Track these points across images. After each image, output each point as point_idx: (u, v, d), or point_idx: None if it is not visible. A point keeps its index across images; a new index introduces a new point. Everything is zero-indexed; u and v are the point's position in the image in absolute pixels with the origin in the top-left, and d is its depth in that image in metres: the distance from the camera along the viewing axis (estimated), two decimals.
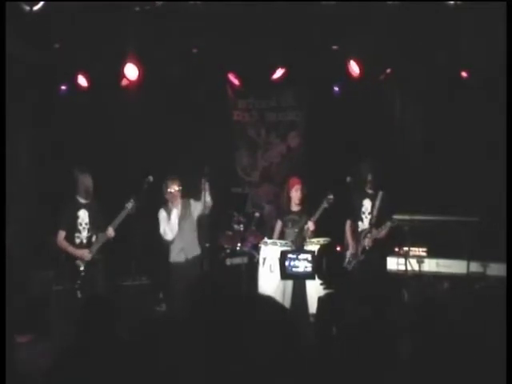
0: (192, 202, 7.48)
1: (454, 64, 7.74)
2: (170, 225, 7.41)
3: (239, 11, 7.23)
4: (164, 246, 8.23)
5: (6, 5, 5.85)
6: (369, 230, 7.18)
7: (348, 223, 7.45)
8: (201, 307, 2.72)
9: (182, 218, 7.44)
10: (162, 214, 7.46)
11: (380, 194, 7.19)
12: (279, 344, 1.96)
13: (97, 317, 3.44)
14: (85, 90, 8.82)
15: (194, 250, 7.48)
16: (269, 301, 2.36)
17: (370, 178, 7.26)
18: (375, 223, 7.14)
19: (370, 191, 7.30)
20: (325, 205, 7.42)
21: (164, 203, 7.49)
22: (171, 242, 7.47)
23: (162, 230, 7.45)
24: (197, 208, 7.45)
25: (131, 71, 8.35)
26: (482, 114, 7.68)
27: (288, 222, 7.80)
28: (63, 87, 8.91)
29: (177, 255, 7.48)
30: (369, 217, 7.23)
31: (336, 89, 8.91)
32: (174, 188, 7.40)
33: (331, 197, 7.38)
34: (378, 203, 7.16)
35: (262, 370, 2.11)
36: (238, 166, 9.84)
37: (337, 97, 8.90)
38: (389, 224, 7.02)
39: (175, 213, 7.41)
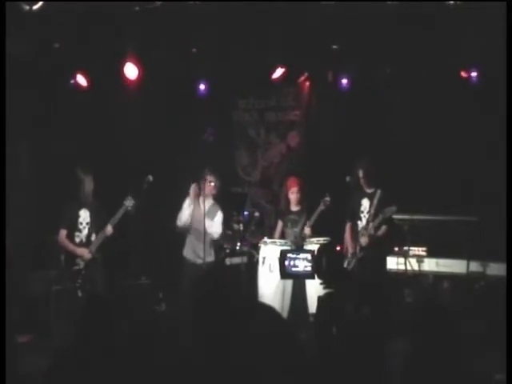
0: (219, 208, 7.47)
1: (454, 64, 7.74)
2: (182, 210, 7.40)
3: (239, 11, 7.23)
4: (164, 245, 8.25)
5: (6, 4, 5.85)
6: (365, 227, 7.18)
7: (348, 224, 7.44)
8: (201, 307, 2.72)
9: (201, 218, 7.34)
10: (187, 201, 7.43)
11: (378, 192, 7.19)
12: (278, 348, 1.97)
13: (97, 317, 3.44)
14: (85, 89, 8.83)
15: (207, 256, 7.40)
16: (268, 309, 2.37)
17: (361, 174, 7.26)
18: (372, 220, 7.14)
19: (368, 190, 7.29)
20: (322, 207, 7.45)
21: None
22: (186, 237, 7.47)
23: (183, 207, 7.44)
24: (219, 216, 7.45)
25: (131, 71, 8.36)
26: (482, 114, 7.68)
27: (287, 222, 7.84)
28: (65, 85, 8.91)
29: (188, 253, 7.48)
30: (367, 216, 7.22)
31: (345, 81, 8.80)
32: (209, 181, 7.39)
33: (328, 198, 7.40)
34: (375, 202, 7.15)
35: (261, 371, 2.12)
36: (237, 166, 9.84)
37: (343, 91, 8.83)
38: (381, 216, 7.01)
39: (187, 202, 7.38)
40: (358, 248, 7.19)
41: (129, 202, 6.90)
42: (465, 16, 6.97)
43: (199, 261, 7.29)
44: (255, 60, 8.33)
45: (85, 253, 6.82)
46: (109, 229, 6.88)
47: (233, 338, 2.36)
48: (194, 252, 7.39)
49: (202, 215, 7.26)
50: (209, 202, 7.49)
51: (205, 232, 7.23)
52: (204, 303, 2.67)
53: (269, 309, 2.53)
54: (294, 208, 7.84)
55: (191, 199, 7.40)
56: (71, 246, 6.85)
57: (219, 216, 7.51)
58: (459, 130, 7.93)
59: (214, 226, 7.43)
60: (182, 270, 7.42)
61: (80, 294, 6.67)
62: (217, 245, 7.72)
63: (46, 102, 8.69)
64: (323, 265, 5.27)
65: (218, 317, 2.48)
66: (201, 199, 7.37)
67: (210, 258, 7.48)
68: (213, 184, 7.45)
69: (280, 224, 7.95)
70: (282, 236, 7.85)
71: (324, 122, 9.14)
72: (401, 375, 3.04)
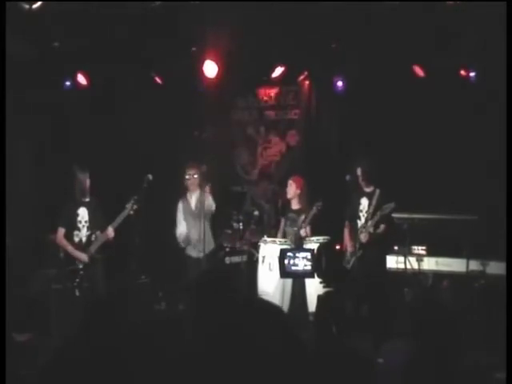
0: (208, 195, 7.46)
1: (454, 64, 7.74)
2: (177, 226, 7.52)
3: (239, 11, 7.23)
4: (164, 244, 8.25)
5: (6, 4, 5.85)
6: (364, 225, 7.19)
7: (347, 223, 7.45)
8: (201, 305, 2.72)
9: (195, 210, 7.47)
10: (179, 205, 7.54)
11: (377, 192, 7.19)
12: (278, 347, 1.98)
13: (98, 317, 3.44)
14: (84, 88, 8.83)
15: (208, 246, 7.49)
16: (266, 304, 2.37)
17: (359, 173, 7.27)
18: (371, 219, 7.14)
19: (367, 189, 7.30)
20: (314, 211, 7.44)
21: (182, 193, 7.58)
22: (187, 234, 7.54)
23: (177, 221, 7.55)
24: (210, 204, 7.48)
25: (131, 70, 8.37)
26: (482, 114, 7.68)
27: (287, 220, 7.84)
28: (65, 84, 8.92)
29: (190, 249, 7.58)
30: (366, 215, 7.23)
31: (340, 84, 8.81)
32: (192, 175, 7.45)
33: (320, 203, 7.39)
34: (374, 201, 7.16)
35: (261, 370, 2.12)
36: (237, 165, 9.85)
37: (339, 93, 8.84)
38: (379, 213, 7.01)
39: (179, 217, 7.53)
40: (357, 247, 7.19)
41: (130, 206, 6.85)
42: (465, 16, 6.97)
43: (200, 254, 7.37)
44: (255, 59, 8.33)
45: (84, 257, 6.78)
46: (110, 231, 6.84)
47: (233, 334, 2.36)
48: (195, 248, 7.45)
49: (193, 210, 7.46)
50: (195, 195, 7.52)
51: (205, 225, 7.34)
52: (205, 298, 2.67)
53: (268, 305, 2.53)
54: (295, 207, 7.84)
55: (181, 214, 7.54)
56: (70, 248, 6.82)
57: (210, 200, 7.49)
58: (459, 129, 7.94)
59: (209, 199, 7.46)
60: (183, 265, 7.53)
61: (78, 293, 6.65)
62: (216, 237, 7.87)
63: (45, 101, 8.69)
64: (323, 264, 5.30)
65: (219, 312, 2.48)
66: (188, 195, 7.54)
67: (210, 246, 7.59)
68: (196, 176, 7.46)
69: (283, 222, 7.95)
70: (284, 235, 7.86)
71: (323, 121, 9.15)
72: (401, 375, 3.05)
